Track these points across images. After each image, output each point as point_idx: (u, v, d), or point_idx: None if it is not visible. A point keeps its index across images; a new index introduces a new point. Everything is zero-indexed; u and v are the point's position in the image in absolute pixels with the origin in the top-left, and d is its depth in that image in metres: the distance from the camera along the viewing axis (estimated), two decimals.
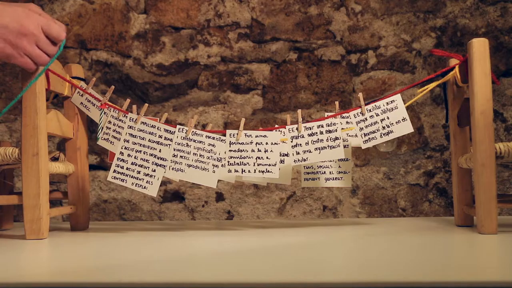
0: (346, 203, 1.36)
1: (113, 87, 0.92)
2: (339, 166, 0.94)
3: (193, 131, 0.89)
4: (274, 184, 1.36)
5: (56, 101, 1.25)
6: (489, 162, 0.79)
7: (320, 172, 0.95)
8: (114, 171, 0.88)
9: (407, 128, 0.91)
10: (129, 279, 0.53)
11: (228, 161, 0.89)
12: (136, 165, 0.88)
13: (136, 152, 0.88)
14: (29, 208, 0.82)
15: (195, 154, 0.89)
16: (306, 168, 0.95)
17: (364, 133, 0.91)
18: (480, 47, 0.82)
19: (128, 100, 0.93)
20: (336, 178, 0.94)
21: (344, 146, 0.92)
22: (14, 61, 0.83)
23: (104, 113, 0.91)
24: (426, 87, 0.92)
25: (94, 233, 0.94)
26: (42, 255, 0.72)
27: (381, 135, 0.91)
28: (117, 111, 0.91)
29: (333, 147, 0.89)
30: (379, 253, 0.67)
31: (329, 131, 0.89)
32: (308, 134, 0.90)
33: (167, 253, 0.71)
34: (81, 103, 0.94)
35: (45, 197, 0.83)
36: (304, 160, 0.89)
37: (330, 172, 0.94)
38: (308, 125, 0.90)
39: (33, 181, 0.82)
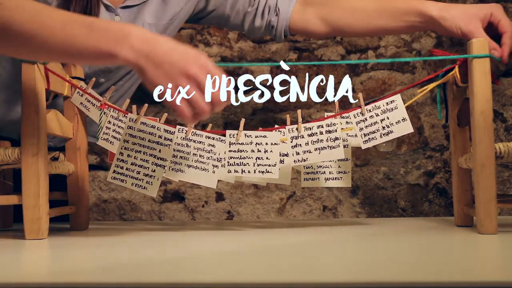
0: (346, 203, 1.36)
1: (113, 87, 0.92)
2: (339, 166, 0.94)
3: (193, 132, 0.89)
4: (274, 184, 1.36)
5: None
6: (489, 162, 0.79)
7: (319, 172, 0.95)
8: (114, 171, 0.88)
9: (407, 128, 0.91)
10: (129, 279, 0.53)
11: (228, 162, 0.89)
12: (135, 165, 0.88)
13: (135, 152, 0.88)
14: (29, 208, 0.82)
15: (195, 154, 0.89)
16: (306, 168, 0.95)
17: (364, 133, 0.91)
18: (479, 47, 0.82)
19: (128, 100, 0.93)
20: (335, 178, 0.94)
21: (344, 146, 0.92)
22: (170, 103, 0.78)
23: (104, 113, 0.91)
24: (426, 87, 0.92)
25: (94, 233, 0.94)
26: (42, 255, 0.72)
27: (381, 135, 0.91)
28: (116, 111, 0.91)
29: (333, 148, 0.89)
30: (379, 253, 0.67)
31: (329, 131, 0.89)
32: (308, 135, 0.90)
33: (167, 253, 0.71)
34: (81, 103, 0.94)
35: (45, 197, 0.83)
36: (304, 160, 0.89)
37: (329, 172, 0.94)
38: (308, 125, 0.90)
39: (33, 181, 0.82)
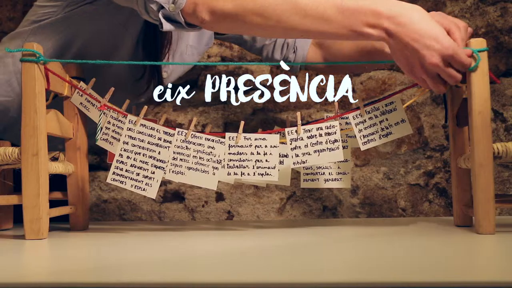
0: (346, 203, 1.36)
1: (112, 88, 0.92)
2: (339, 167, 0.94)
3: (192, 134, 0.89)
4: (274, 184, 1.36)
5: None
6: (487, 162, 0.79)
7: (319, 173, 0.95)
8: (113, 173, 0.88)
9: (406, 129, 0.91)
10: (129, 279, 0.53)
11: (228, 164, 0.89)
12: (135, 167, 0.88)
13: (135, 154, 0.89)
14: (29, 208, 0.82)
15: (195, 156, 0.89)
16: (306, 169, 0.95)
17: (363, 135, 0.91)
18: (477, 47, 0.83)
19: (127, 101, 0.93)
20: (335, 179, 0.94)
21: (344, 147, 0.92)
22: (415, 79, 0.84)
23: (104, 113, 0.91)
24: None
25: (94, 233, 0.95)
26: (42, 255, 0.72)
27: (380, 137, 0.91)
28: (116, 112, 0.91)
29: (333, 150, 0.89)
30: (379, 253, 0.67)
31: (328, 134, 0.89)
32: (307, 137, 0.90)
33: (167, 253, 0.71)
34: (81, 103, 0.95)
35: (45, 197, 0.84)
36: (303, 162, 0.89)
37: (329, 173, 0.94)
38: (307, 127, 0.90)
39: (33, 181, 0.82)
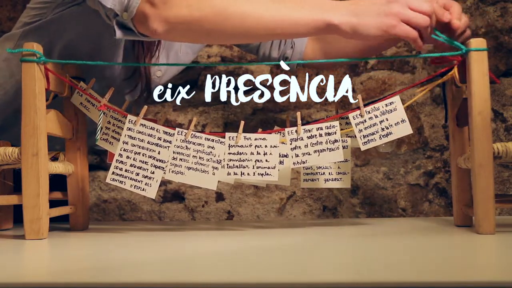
0: (346, 203, 1.36)
1: (113, 88, 0.92)
2: (339, 167, 0.94)
3: (192, 134, 0.89)
4: (274, 184, 1.36)
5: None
6: (487, 162, 0.79)
7: (319, 173, 0.95)
8: (113, 173, 0.88)
9: (406, 129, 0.91)
10: (129, 279, 0.53)
11: (227, 164, 0.89)
12: (135, 167, 0.88)
13: (135, 154, 0.89)
14: (29, 208, 0.82)
15: (195, 156, 0.89)
16: (306, 169, 0.95)
17: (363, 135, 0.91)
18: (478, 47, 0.83)
19: (127, 101, 0.93)
20: (335, 179, 0.94)
21: (344, 147, 0.92)
22: (394, 33, 0.83)
23: (104, 113, 0.91)
24: (425, 87, 0.92)
25: (94, 233, 0.95)
26: (42, 255, 0.72)
27: (380, 137, 0.91)
28: (116, 112, 0.91)
29: (333, 150, 0.89)
30: (379, 253, 0.67)
31: (328, 134, 0.89)
32: (307, 137, 0.90)
33: (167, 253, 0.71)
34: (81, 103, 0.95)
35: (45, 197, 0.84)
36: (303, 162, 0.89)
37: (329, 173, 0.94)
38: (307, 127, 0.90)
39: (33, 181, 0.82)
